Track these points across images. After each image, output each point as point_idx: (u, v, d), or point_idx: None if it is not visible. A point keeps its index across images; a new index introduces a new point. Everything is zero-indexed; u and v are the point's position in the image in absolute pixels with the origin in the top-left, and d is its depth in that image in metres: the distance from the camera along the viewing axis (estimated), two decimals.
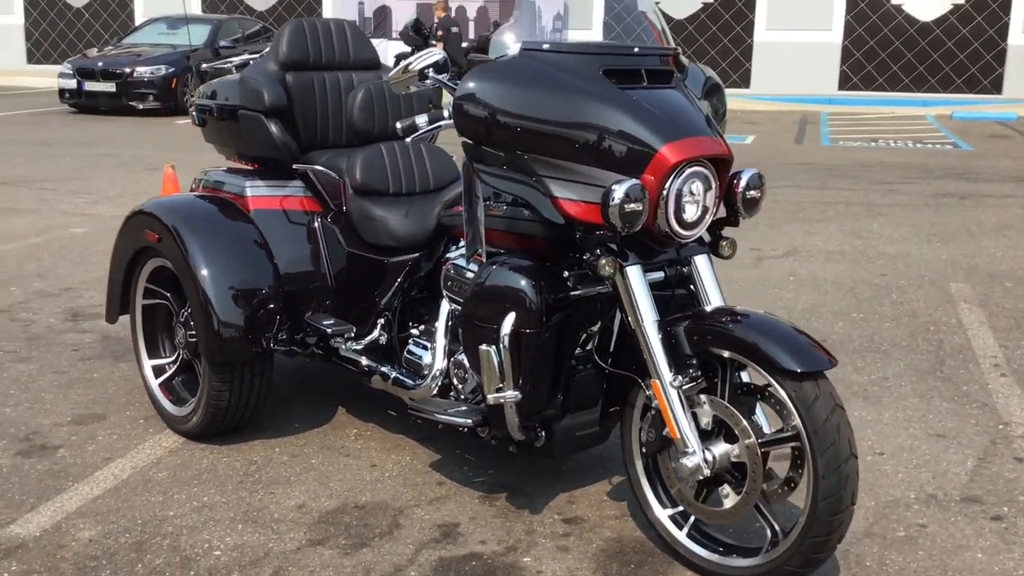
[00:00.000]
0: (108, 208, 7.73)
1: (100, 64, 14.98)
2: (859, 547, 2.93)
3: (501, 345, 2.74)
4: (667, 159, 2.61)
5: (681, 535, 2.80)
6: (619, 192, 2.55)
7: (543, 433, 2.98)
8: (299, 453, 3.49)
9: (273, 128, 3.60)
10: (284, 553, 2.85)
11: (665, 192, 2.64)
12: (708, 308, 2.75)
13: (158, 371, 3.72)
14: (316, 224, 3.62)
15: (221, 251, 3.35)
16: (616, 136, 2.63)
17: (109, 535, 2.92)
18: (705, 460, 2.62)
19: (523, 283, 2.76)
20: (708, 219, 2.77)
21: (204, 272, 3.29)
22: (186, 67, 14.79)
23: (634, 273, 2.71)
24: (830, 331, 4.89)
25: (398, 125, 2.91)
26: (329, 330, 3.37)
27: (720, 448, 2.63)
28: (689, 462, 2.61)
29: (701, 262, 2.86)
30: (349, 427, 3.71)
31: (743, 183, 2.85)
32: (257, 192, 3.60)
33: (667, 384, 2.65)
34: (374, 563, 2.80)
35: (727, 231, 2.98)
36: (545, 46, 2.74)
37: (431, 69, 2.79)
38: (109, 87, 14.67)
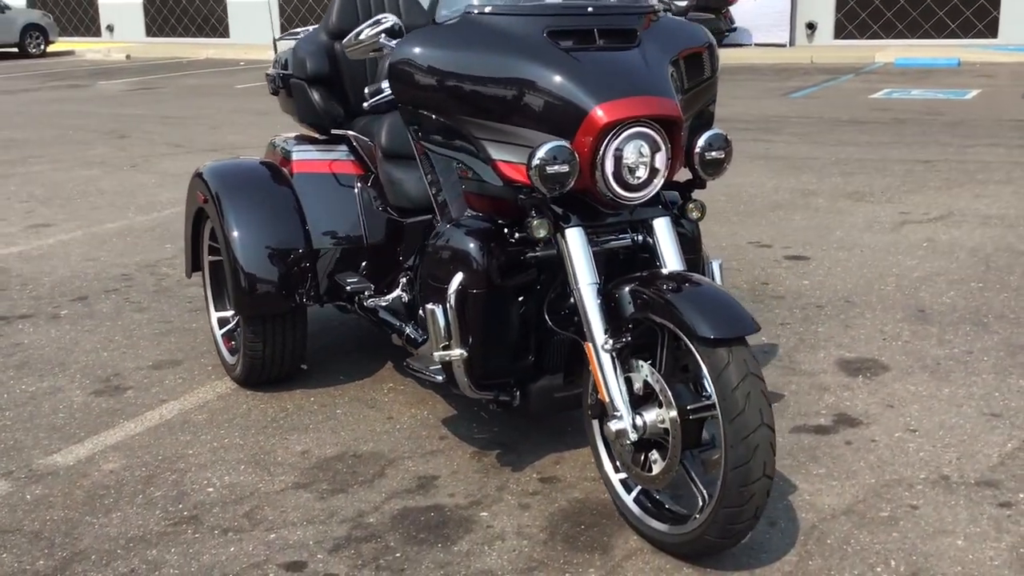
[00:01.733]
0: None
1: None
2: (830, 524, 2.80)
3: (448, 304, 2.81)
4: (599, 119, 2.58)
5: (629, 499, 2.79)
6: (540, 152, 2.56)
7: (518, 393, 3.03)
8: (328, 403, 3.71)
9: (315, 95, 3.80)
10: (267, 494, 3.06)
11: (600, 154, 2.61)
12: (654, 272, 2.70)
13: (222, 322, 4.04)
14: (357, 188, 3.79)
15: (254, 213, 3.59)
16: (550, 97, 2.63)
17: (128, 468, 3.25)
18: (634, 425, 2.59)
19: (471, 244, 2.81)
20: (658, 181, 2.72)
21: (235, 233, 3.55)
22: None
23: (573, 235, 2.71)
24: (936, 301, 4.58)
25: (366, 90, 3.01)
26: (349, 287, 3.54)
27: (651, 414, 2.60)
28: (614, 425, 2.60)
29: (660, 225, 2.81)
30: (387, 381, 3.89)
31: (701, 143, 2.76)
32: (302, 156, 3.82)
33: (599, 346, 2.64)
34: (341, 508, 2.97)
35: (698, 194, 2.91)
36: (488, 8, 2.76)
37: (383, 35, 2.87)
38: None
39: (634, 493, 2.78)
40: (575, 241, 2.71)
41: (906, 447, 3.24)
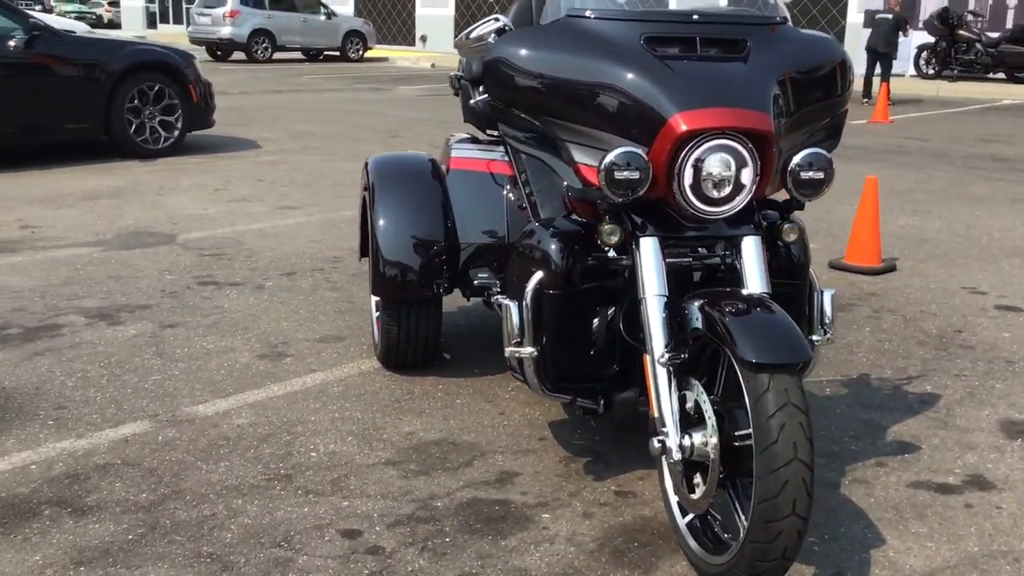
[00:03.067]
0: None
1: None
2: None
3: (524, 302, 2.84)
4: (677, 127, 2.53)
5: (682, 523, 2.70)
6: (611, 156, 2.54)
7: (603, 401, 3.01)
8: (452, 392, 3.82)
9: (475, 96, 3.93)
10: (359, 465, 3.22)
11: (679, 163, 2.56)
12: (724, 290, 2.61)
13: (378, 305, 4.26)
14: (506, 188, 3.89)
15: (401, 204, 3.77)
16: (634, 102, 2.60)
17: (253, 425, 3.52)
18: (680, 445, 2.51)
19: (552, 245, 2.82)
20: (743, 198, 2.62)
21: (381, 221, 3.74)
22: None
23: (647, 244, 2.66)
24: None
25: (478, 90, 3.09)
26: (476, 282, 3.64)
27: (698, 436, 2.51)
28: (656, 441, 2.53)
29: (747, 245, 2.70)
30: (513, 380, 3.94)
31: (796, 160, 2.64)
32: (460, 154, 3.96)
33: (655, 359, 2.58)
34: (417, 488, 3.07)
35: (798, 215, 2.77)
36: (588, 12, 2.76)
37: (493, 35, 2.94)
38: None
39: (688, 517, 2.69)
40: (648, 250, 2.66)
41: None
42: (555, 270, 2.81)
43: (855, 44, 20.71)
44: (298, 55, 25.67)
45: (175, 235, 6.34)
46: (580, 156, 2.72)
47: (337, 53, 24.45)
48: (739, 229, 2.72)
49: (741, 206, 2.64)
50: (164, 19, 37.34)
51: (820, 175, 2.65)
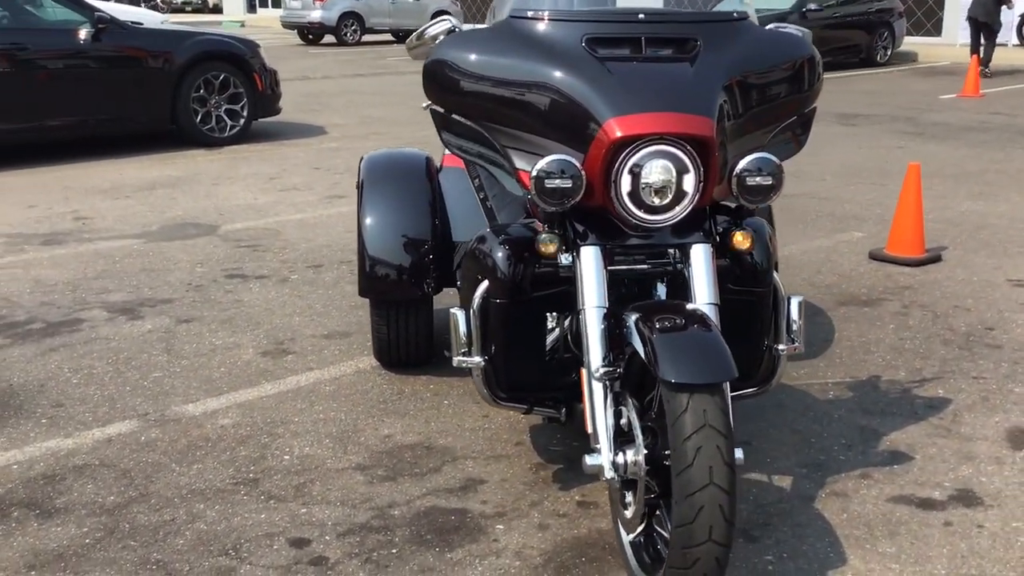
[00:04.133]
0: None
1: None
2: None
3: (471, 311, 2.78)
4: (610, 134, 2.43)
5: (627, 539, 2.61)
6: (541, 164, 2.45)
7: (564, 410, 2.94)
8: (441, 393, 3.79)
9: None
10: (328, 470, 3.21)
11: (615, 171, 2.46)
12: (661, 303, 2.50)
13: None
14: None
15: (387, 202, 3.73)
16: (571, 106, 2.51)
17: (236, 426, 3.54)
18: (613, 463, 2.42)
19: (499, 253, 2.75)
20: (686, 205, 2.51)
21: (367, 219, 3.72)
22: None
23: (587, 253, 2.57)
24: None
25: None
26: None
27: (629, 455, 2.41)
28: (590, 459, 2.45)
29: (696, 253, 2.59)
30: None
31: (742, 165, 2.51)
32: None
33: (591, 372, 2.50)
34: (379, 495, 3.05)
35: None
36: (530, 13, 2.67)
37: (442, 36, 2.86)
38: None
39: (633, 534, 2.61)
40: (588, 260, 2.57)
41: (1015, 541, 2.75)
42: (501, 278, 2.74)
43: (955, 13, 19.86)
44: (387, 37, 25.84)
45: (218, 226, 6.44)
46: (521, 163, 2.64)
47: None
48: (687, 237, 2.60)
49: (685, 214, 2.53)
50: (264, 3, 38.01)
51: (768, 180, 2.52)
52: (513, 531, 2.84)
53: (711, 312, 2.53)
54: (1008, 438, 3.36)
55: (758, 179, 2.51)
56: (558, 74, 2.55)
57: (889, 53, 17.87)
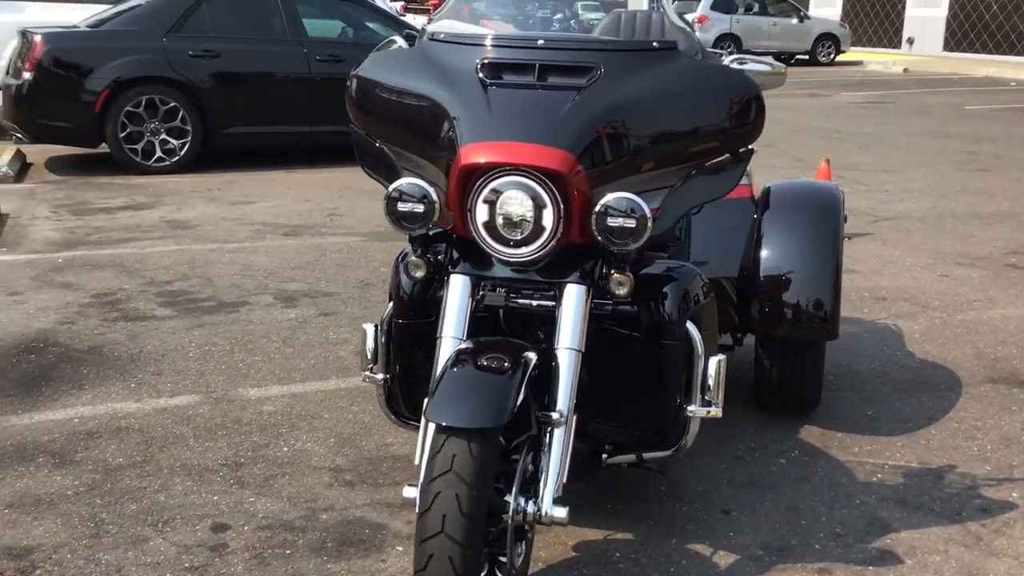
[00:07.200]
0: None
1: None
2: None
3: (380, 328, 2.77)
4: (460, 160, 2.36)
5: None
6: (392, 186, 2.42)
7: None
8: None
9: None
10: (305, 468, 3.33)
11: (469, 199, 2.38)
12: (496, 341, 2.38)
13: None
14: None
15: None
16: (444, 131, 2.46)
17: (271, 414, 3.76)
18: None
19: (402, 274, 2.72)
20: (544, 241, 2.36)
21: None
22: None
23: (454, 282, 2.49)
24: None
25: None
26: None
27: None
28: (406, 492, 2.37)
29: (568, 294, 2.42)
30: None
31: (604, 203, 2.31)
32: None
33: (427, 405, 2.41)
34: (327, 497, 3.13)
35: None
36: (441, 35, 2.61)
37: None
38: None
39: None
40: (454, 289, 2.49)
41: None
42: (404, 299, 2.72)
43: None
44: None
45: None
46: None
47: (806, 57, 23.75)
48: (560, 276, 2.44)
49: (545, 250, 2.37)
50: None
51: (631, 223, 2.29)
52: (407, 556, 2.81)
53: (570, 358, 2.36)
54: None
55: (620, 221, 2.30)
56: (445, 97, 2.50)
57: None
